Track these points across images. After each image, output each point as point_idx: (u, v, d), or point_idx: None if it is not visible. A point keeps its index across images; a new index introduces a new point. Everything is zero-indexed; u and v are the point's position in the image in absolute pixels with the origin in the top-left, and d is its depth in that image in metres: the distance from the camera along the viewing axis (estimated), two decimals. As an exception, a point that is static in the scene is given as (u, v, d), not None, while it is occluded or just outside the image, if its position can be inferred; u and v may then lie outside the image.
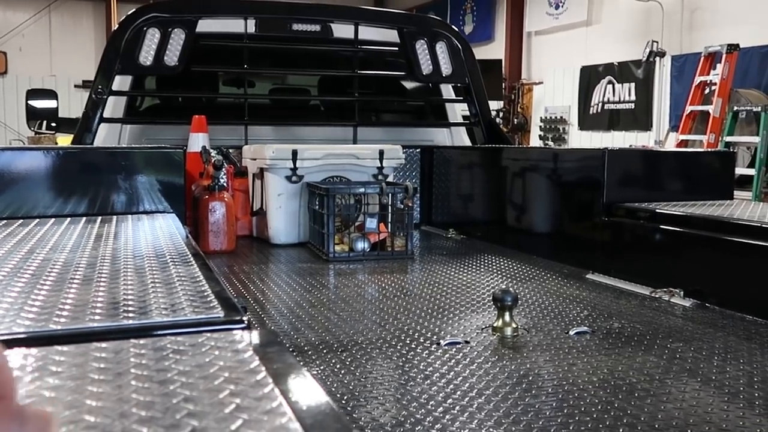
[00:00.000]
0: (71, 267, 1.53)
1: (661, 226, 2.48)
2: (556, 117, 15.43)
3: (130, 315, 1.11)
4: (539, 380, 1.54)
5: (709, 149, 8.31)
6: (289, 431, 0.66)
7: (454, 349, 1.74)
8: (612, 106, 14.04)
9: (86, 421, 0.69)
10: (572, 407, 1.38)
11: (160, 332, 1.02)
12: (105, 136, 3.81)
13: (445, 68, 4.27)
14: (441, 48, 4.24)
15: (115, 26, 4.03)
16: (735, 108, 9.63)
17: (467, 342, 1.80)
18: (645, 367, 1.62)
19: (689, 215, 2.43)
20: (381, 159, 3.53)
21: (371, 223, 3.11)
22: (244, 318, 1.09)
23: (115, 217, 2.53)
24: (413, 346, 1.77)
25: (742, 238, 2.16)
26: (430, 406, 1.37)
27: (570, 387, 1.49)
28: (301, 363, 1.50)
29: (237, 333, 0.99)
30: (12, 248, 1.79)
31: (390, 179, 3.56)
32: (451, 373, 1.56)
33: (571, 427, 1.27)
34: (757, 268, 2.08)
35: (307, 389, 0.80)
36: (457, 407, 1.37)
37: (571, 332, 1.90)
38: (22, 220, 2.40)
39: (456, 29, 4.50)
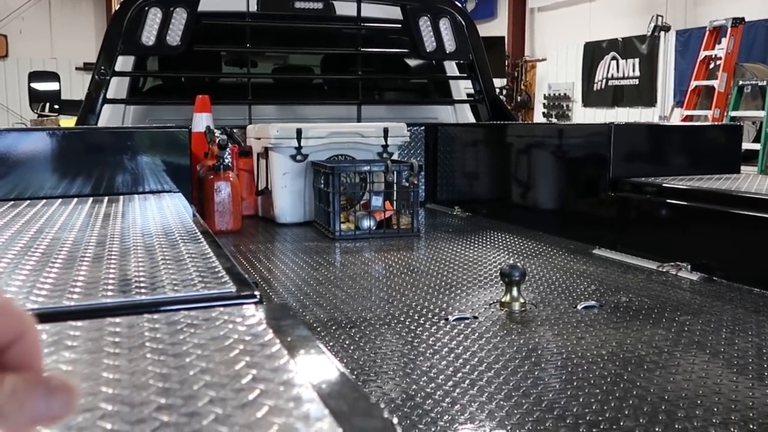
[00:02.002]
0: (81, 245, 1.53)
1: (668, 201, 2.47)
2: (559, 94, 15.36)
3: (143, 291, 1.11)
4: (548, 354, 1.55)
5: (716, 123, 8.27)
6: (307, 401, 0.66)
7: (463, 324, 1.75)
8: (616, 83, 13.97)
9: (104, 393, 0.70)
10: (581, 380, 1.38)
11: (173, 307, 1.03)
12: (108, 117, 3.81)
13: (449, 45, 4.24)
14: (444, 24, 4.21)
15: (115, 7, 4.01)
16: (740, 82, 9.57)
17: (475, 317, 1.81)
18: (653, 340, 1.63)
19: (696, 189, 2.42)
20: (386, 137, 3.52)
21: (377, 201, 3.11)
22: (256, 292, 1.10)
23: (121, 197, 2.53)
24: (422, 321, 1.78)
25: (750, 211, 2.15)
26: (440, 380, 1.38)
27: (579, 360, 1.50)
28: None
29: (250, 307, 1.00)
30: (21, 228, 1.80)
31: (395, 157, 3.55)
32: (460, 348, 1.57)
33: (581, 399, 1.28)
34: (764, 241, 2.08)
35: (322, 360, 0.81)
36: (467, 381, 1.38)
37: (579, 306, 1.90)
38: (29, 201, 2.41)
39: (459, 5, 4.46)
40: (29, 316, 0.45)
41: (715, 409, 1.23)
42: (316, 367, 0.79)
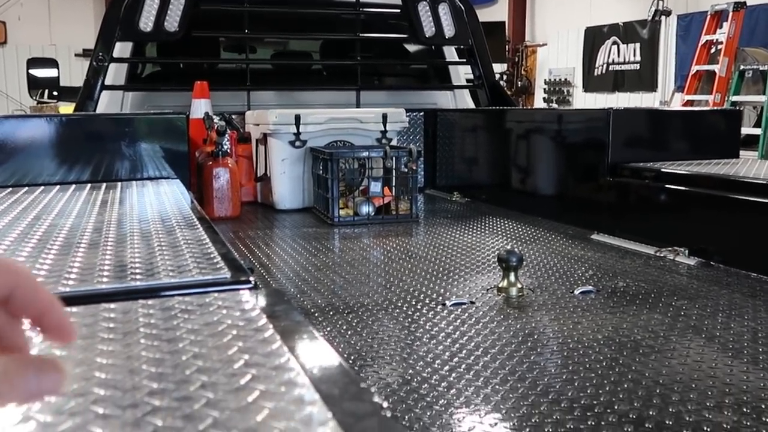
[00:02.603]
0: (77, 232, 1.54)
1: (666, 186, 2.47)
2: (560, 79, 15.31)
3: (138, 277, 1.12)
4: (544, 338, 1.56)
5: (715, 108, 8.25)
6: (299, 385, 0.67)
7: (460, 310, 1.75)
8: (617, 67, 13.92)
9: (97, 378, 0.70)
10: (577, 364, 1.39)
11: (167, 293, 1.03)
12: (107, 104, 3.80)
13: (448, 30, 4.22)
14: (443, 9, 4.19)
15: (113, -8, 3.98)
16: (741, 67, 9.53)
17: (473, 302, 1.82)
18: (649, 324, 1.63)
19: (694, 174, 2.42)
20: (384, 123, 3.51)
21: (375, 187, 3.11)
22: (251, 278, 1.10)
23: (119, 183, 2.53)
24: (419, 307, 1.78)
25: (747, 196, 2.15)
26: (436, 365, 1.39)
27: (575, 345, 1.50)
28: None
29: (244, 293, 1.00)
30: (18, 215, 1.80)
31: (394, 143, 3.55)
32: (457, 333, 1.58)
33: (576, 384, 1.28)
34: (762, 226, 2.08)
35: (315, 345, 0.81)
36: (463, 365, 1.38)
37: (576, 291, 1.91)
38: (27, 188, 2.41)
39: (458, -10, 4.44)
40: (22, 268, 0.48)
41: (709, 393, 1.24)
42: (308, 352, 0.79)
